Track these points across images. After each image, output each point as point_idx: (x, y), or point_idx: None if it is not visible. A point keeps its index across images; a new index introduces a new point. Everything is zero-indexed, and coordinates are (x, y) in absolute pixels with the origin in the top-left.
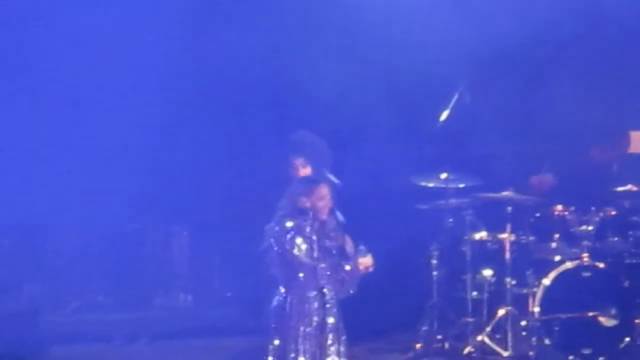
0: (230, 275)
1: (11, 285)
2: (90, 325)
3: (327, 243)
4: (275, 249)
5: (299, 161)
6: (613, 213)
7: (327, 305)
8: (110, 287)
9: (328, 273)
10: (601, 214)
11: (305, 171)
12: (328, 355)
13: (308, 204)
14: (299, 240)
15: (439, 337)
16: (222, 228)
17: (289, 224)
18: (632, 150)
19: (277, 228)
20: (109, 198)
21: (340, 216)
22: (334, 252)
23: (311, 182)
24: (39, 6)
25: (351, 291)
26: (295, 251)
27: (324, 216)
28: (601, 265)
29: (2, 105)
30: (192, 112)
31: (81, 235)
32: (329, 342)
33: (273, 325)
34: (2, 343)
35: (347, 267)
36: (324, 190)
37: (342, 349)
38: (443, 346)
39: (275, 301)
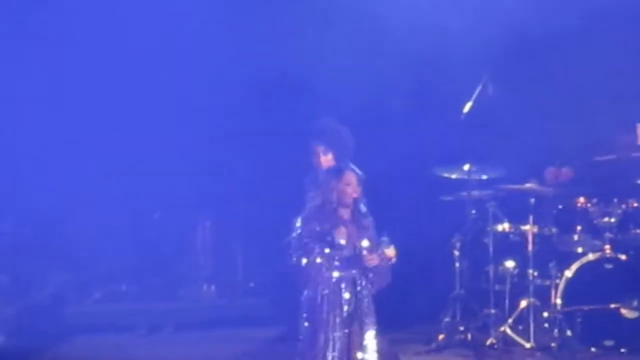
0: (254, 266)
1: (35, 275)
2: (114, 315)
3: (358, 232)
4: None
5: (320, 148)
6: (635, 205)
7: (359, 295)
8: (135, 277)
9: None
10: (623, 206)
11: (327, 158)
12: (360, 345)
13: (335, 194)
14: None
15: (462, 328)
16: (246, 219)
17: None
18: None
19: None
20: (134, 188)
21: (364, 207)
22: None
23: (337, 171)
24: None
25: (387, 277)
26: (318, 260)
27: (350, 204)
28: (623, 257)
29: (31, 95)
30: (212, 106)
31: (105, 225)
32: (361, 332)
33: (304, 315)
34: (27, 333)
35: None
36: (350, 177)
37: (372, 340)
38: (466, 337)
39: (305, 293)
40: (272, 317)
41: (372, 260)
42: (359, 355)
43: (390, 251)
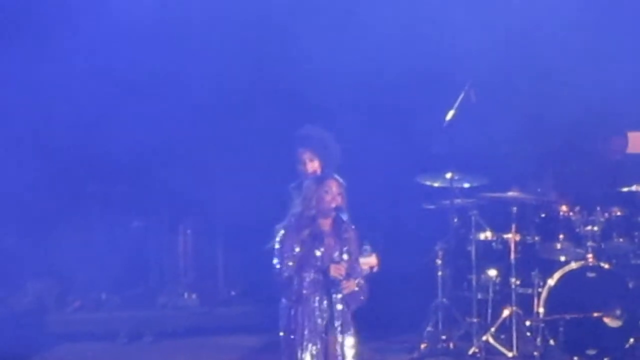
0: (235, 274)
1: (16, 283)
2: (94, 324)
3: (338, 244)
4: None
5: (306, 155)
6: (618, 213)
7: (334, 303)
8: (115, 286)
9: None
10: (606, 215)
11: (313, 165)
12: (337, 354)
13: (314, 202)
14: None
15: (444, 337)
16: (227, 226)
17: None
18: (630, 150)
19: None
20: (114, 196)
21: (345, 216)
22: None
23: (318, 178)
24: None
25: (362, 298)
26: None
27: (330, 213)
28: (606, 265)
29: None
30: (192, 114)
31: (86, 233)
32: (338, 340)
33: (280, 324)
34: (7, 341)
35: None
36: (330, 184)
37: (350, 349)
38: (448, 346)
39: (283, 301)
40: (254, 325)
41: (347, 288)
42: None
43: (372, 259)
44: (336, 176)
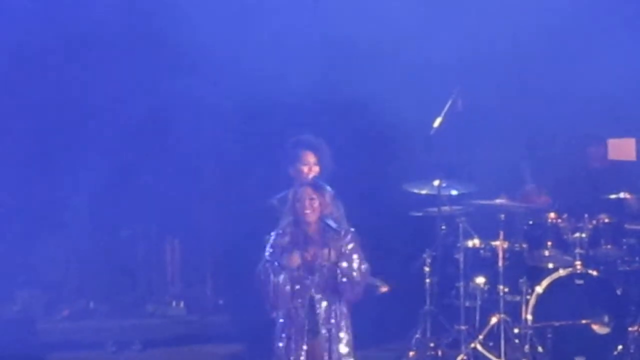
0: (223, 283)
1: (3, 292)
2: (82, 333)
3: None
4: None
5: (312, 159)
6: (606, 220)
7: (318, 312)
8: (103, 294)
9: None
10: (594, 222)
11: (315, 170)
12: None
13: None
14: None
15: (432, 344)
16: (216, 235)
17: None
18: (611, 157)
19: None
20: (102, 204)
21: (332, 224)
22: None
23: (296, 187)
24: None
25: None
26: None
27: (311, 221)
28: (594, 272)
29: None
30: (180, 125)
31: (74, 241)
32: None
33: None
34: None
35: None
36: (304, 192)
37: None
38: (436, 353)
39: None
40: (241, 334)
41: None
42: None
43: (384, 288)
44: (322, 184)
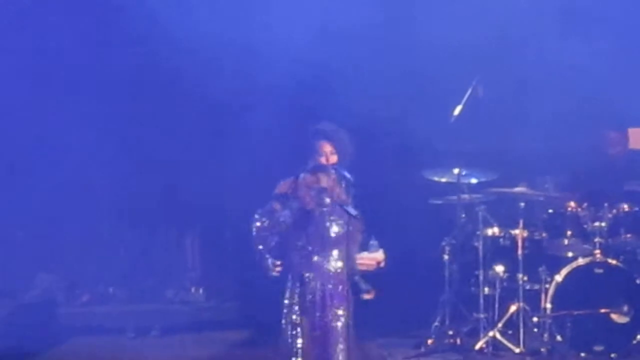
0: (242, 270)
1: (24, 277)
2: (102, 318)
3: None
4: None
5: (328, 148)
6: (626, 209)
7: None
8: (123, 280)
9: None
10: (614, 211)
11: (333, 158)
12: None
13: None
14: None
15: (451, 332)
16: (235, 221)
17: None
18: (631, 146)
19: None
20: (122, 192)
21: (352, 211)
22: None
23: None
24: None
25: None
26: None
27: (309, 205)
28: (613, 262)
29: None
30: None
31: (94, 227)
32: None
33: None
34: (15, 334)
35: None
36: (304, 179)
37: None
38: (455, 342)
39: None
40: (259, 320)
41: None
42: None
43: (379, 255)
44: (340, 170)
